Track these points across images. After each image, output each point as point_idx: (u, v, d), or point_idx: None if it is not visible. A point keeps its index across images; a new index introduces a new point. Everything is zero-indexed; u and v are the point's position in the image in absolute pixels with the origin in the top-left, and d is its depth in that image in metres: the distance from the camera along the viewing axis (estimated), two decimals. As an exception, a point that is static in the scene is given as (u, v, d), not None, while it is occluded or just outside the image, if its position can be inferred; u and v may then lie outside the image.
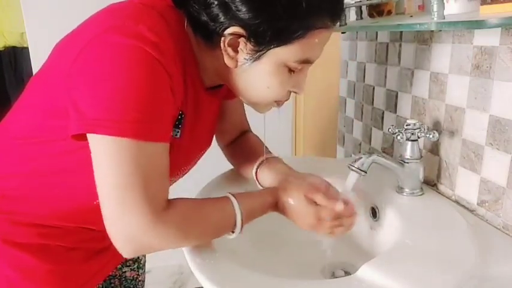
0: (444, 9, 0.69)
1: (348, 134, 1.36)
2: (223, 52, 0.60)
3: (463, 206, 0.81)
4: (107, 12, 0.59)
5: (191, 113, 0.66)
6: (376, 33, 1.10)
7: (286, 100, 0.69)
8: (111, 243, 0.76)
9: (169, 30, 0.57)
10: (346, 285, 0.58)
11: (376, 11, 1.08)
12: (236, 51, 0.59)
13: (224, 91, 0.78)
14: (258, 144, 0.87)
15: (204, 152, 0.79)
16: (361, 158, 0.78)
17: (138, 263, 0.93)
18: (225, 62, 0.61)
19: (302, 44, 0.59)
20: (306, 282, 0.59)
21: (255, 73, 0.62)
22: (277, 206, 0.71)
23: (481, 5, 0.65)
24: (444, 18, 0.69)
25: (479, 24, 0.62)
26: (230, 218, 0.64)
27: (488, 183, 0.74)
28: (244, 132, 0.92)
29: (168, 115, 0.58)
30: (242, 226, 0.64)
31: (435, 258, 0.61)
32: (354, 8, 1.12)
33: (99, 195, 0.55)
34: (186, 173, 0.77)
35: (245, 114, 0.91)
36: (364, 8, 1.12)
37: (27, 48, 1.40)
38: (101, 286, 0.83)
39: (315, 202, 0.69)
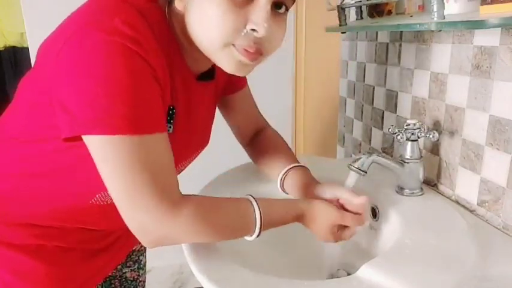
0: (444, 9, 0.69)
1: (348, 134, 1.36)
2: None
3: (463, 206, 0.81)
4: (83, 9, 0.58)
5: (183, 106, 0.65)
6: (376, 33, 1.10)
7: (249, 47, 0.57)
8: (109, 244, 0.77)
9: (147, 25, 0.55)
10: (346, 285, 0.58)
11: (376, 11, 1.08)
12: None
13: (220, 83, 0.77)
14: (281, 144, 0.87)
15: (201, 150, 0.79)
16: (361, 158, 0.78)
17: (138, 263, 0.93)
18: (176, 5, 0.59)
19: None
20: (306, 282, 0.59)
21: (199, 9, 0.56)
22: (298, 219, 0.69)
23: (481, 5, 0.65)
24: (444, 18, 0.69)
25: (479, 24, 0.62)
26: (249, 220, 0.62)
27: (488, 183, 0.74)
28: (263, 128, 0.91)
29: (158, 104, 0.56)
30: (260, 231, 0.63)
31: (435, 258, 0.61)
32: (354, 8, 1.12)
33: (110, 193, 0.55)
34: (181, 171, 0.76)
35: (257, 108, 0.90)
36: (364, 8, 1.12)
37: (27, 48, 1.41)
38: (101, 287, 0.83)
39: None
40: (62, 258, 0.68)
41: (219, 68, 0.62)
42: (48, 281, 0.66)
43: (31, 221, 0.65)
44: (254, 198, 0.64)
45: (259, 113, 0.91)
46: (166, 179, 0.55)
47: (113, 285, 0.89)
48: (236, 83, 0.83)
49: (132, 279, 0.92)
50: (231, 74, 0.62)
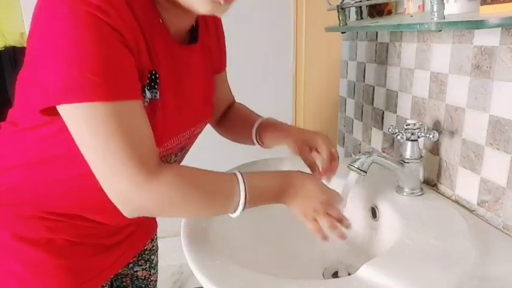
0: (444, 9, 0.69)
1: (348, 134, 1.36)
2: None
3: (463, 206, 0.81)
4: None
5: (168, 71, 0.64)
6: (376, 33, 1.10)
7: None
8: (120, 241, 0.77)
9: None
10: (346, 285, 0.58)
11: (376, 11, 1.08)
12: None
13: (206, 51, 0.76)
14: (248, 112, 0.91)
15: (203, 124, 0.77)
16: (361, 158, 0.78)
17: (150, 262, 0.93)
18: None
19: None
20: (306, 282, 0.59)
21: None
22: (287, 189, 0.68)
23: (481, 5, 0.65)
24: (444, 18, 0.69)
25: (479, 24, 0.62)
26: (232, 193, 0.61)
27: (488, 183, 0.74)
28: (231, 104, 0.94)
29: (130, 71, 0.56)
30: (245, 205, 0.62)
31: (435, 258, 0.61)
32: (354, 8, 1.12)
33: (88, 163, 0.55)
34: (185, 149, 0.75)
35: (230, 89, 0.93)
36: (364, 8, 1.12)
37: (27, 48, 1.41)
38: (110, 284, 0.83)
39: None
40: (72, 252, 0.68)
41: (204, 32, 0.67)
42: (58, 274, 0.67)
43: (41, 214, 0.66)
44: (241, 172, 0.63)
45: (231, 91, 0.94)
46: (142, 146, 0.55)
47: (124, 283, 0.90)
48: (218, 66, 0.84)
49: (143, 277, 0.92)
50: (218, 48, 0.67)
